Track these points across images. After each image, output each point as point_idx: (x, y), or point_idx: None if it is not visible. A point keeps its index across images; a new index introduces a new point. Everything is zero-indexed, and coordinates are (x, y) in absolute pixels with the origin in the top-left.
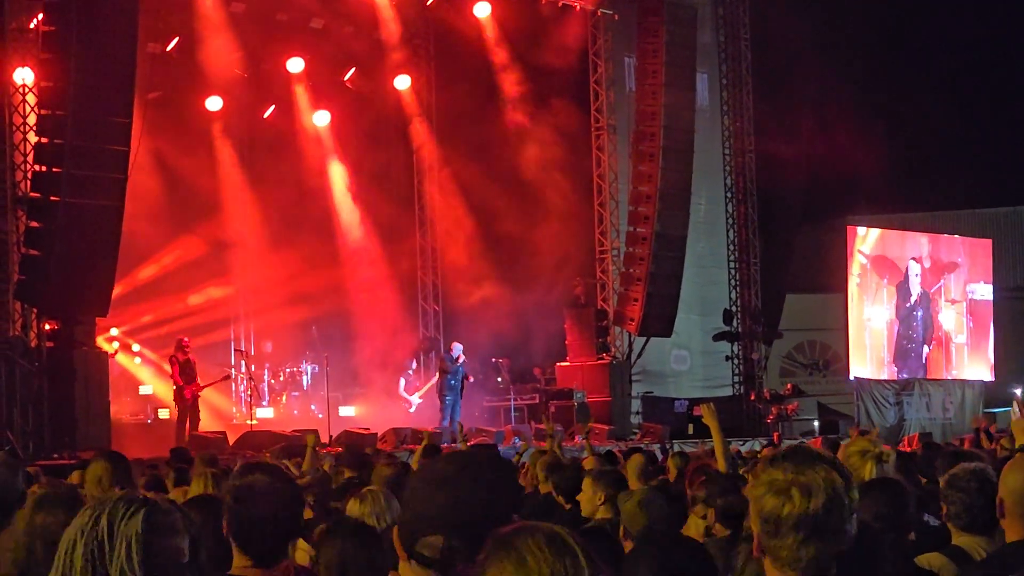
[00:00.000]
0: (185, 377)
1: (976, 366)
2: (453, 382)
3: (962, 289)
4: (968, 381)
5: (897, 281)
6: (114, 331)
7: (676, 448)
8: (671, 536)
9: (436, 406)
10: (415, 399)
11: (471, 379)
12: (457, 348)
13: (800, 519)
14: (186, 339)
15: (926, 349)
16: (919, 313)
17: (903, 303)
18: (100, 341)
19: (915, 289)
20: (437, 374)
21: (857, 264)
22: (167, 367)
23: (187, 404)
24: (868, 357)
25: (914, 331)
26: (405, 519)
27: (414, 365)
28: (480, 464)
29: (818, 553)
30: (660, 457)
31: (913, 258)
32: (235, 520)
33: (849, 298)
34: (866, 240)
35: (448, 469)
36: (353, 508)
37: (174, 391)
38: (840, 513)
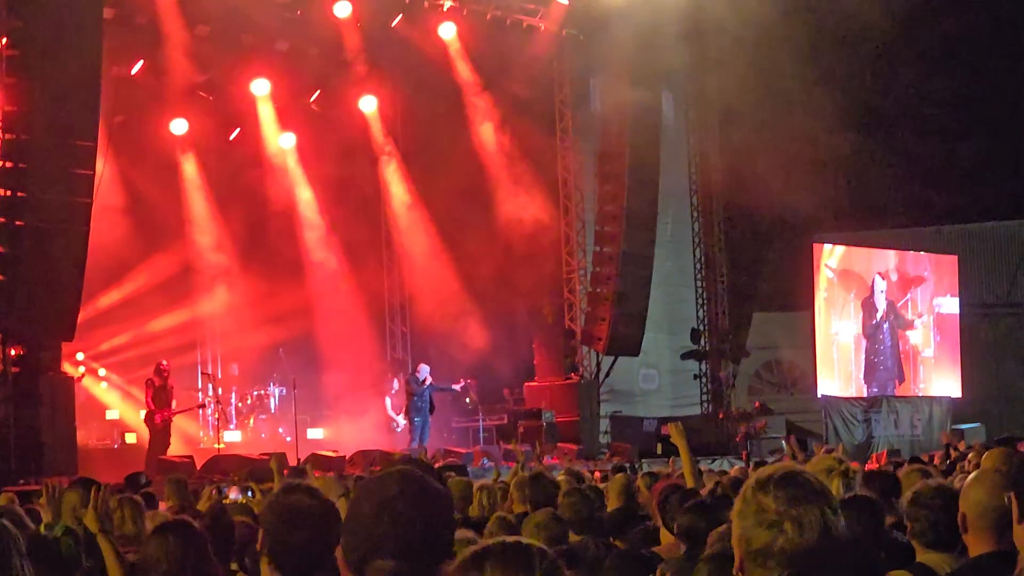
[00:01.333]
0: (158, 402)
1: (944, 381)
2: (420, 404)
3: (929, 303)
4: (936, 398)
5: (864, 295)
6: (80, 355)
7: (645, 468)
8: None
9: (444, 425)
10: (401, 419)
11: (464, 388)
12: (423, 370)
13: (792, 554)
14: (165, 363)
15: (891, 364)
16: (886, 328)
17: (869, 319)
18: (67, 367)
19: (880, 304)
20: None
21: (824, 279)
22: (138, 392)
23: (157, 429)
24: (836, 372)
25: (881, 345)
26: (349, 541)
27: (396, 384)
28: (421, 484)
29: None
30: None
31: (879, 273)
32: (271, 539)
33: (816, 314)
34: (833, 254)
35: (390, 490)
36: None
37: (145, 415)
38: (832, 548)
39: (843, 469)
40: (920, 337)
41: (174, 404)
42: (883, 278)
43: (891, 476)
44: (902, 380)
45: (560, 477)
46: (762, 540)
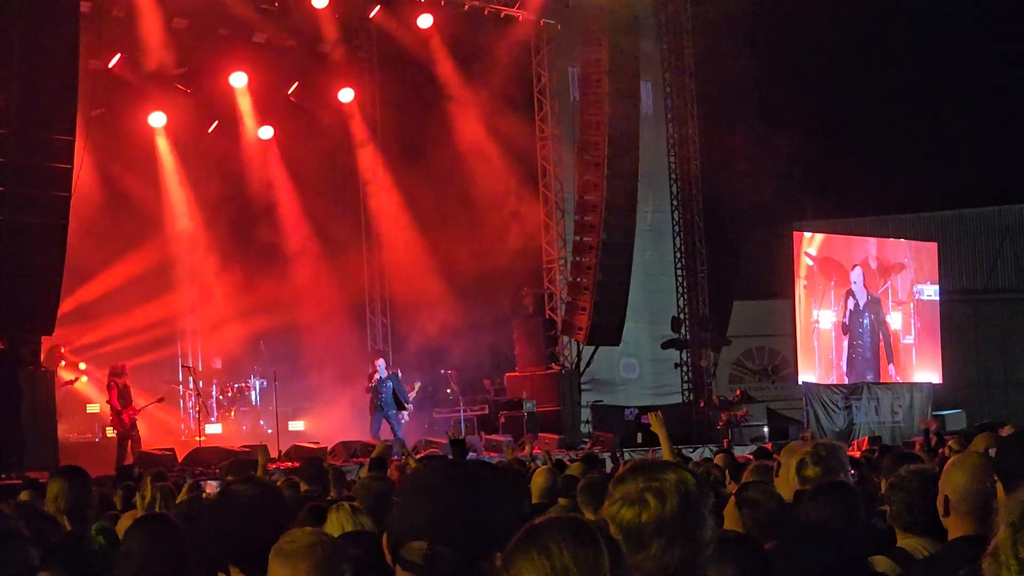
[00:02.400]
0: (123, 401)
1: (925, 369)
2: (379, 400)
3: (909, 290)
4: (917, 384)
5: (843, 284)
6: (61, 350)
7: (627, 457)
8: None
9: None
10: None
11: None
12: (380, 365)
13: (659, 523)
14: (122, 363)
15: (870, 354)
16: (865, 318)
17: (847, 309)
18: (64, 373)
19: (861, 296)
20: (414, 386)
21: (804, 266)
22: (102, 393)
23: (127, 428)
24: (817, 361)
25: (860, 337)
26: (392, 527)
27: (400, 374)
28: (466, 473)
29: (682, 558)
30: (611, 466)
31: (858, 263)
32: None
33: (797, 302)
34: (812, 242)
35: (433, 477)
36: (333, 521)
37: (112, 416)
38: (695, 515)
39: (811, 448)
40: (900, 324)
41: (135, 403)
42: (861, 268)
43: (873, 463)
44: (879, 372)
45: (540, 468)
46: (629, 517)
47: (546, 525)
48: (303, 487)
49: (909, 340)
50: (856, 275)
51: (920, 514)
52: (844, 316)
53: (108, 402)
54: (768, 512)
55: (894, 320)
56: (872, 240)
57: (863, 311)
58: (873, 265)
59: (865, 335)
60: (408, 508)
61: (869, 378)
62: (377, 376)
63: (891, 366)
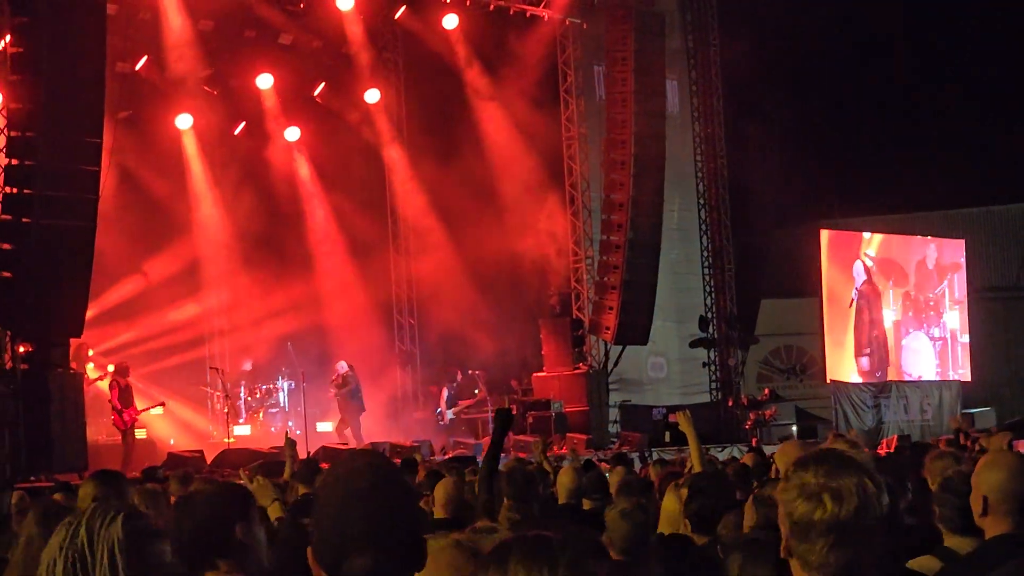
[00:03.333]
0: (123, 401)
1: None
2: (346, 400)
3: (965, 289)
4: (946, 382)
5: (902, 283)
6: (89, 352)
7: (655, 456)
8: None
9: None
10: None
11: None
12: (341, 366)
13: (831, 524)
14: (126, 363)
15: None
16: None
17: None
18: (91, 370)
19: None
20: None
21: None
22: (146, 387)
23: (127, 427)
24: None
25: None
26: (320, 538)
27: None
28: (395, 474)
29: (847, 558)
30: (639, 466)
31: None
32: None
33: (824, 300)
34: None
35: (358, 483)
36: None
37: (114, 415)
38: (871, 519)
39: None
40: (958, 323)
41: (135, 405)
42: (863, 263)
43: (904, 461)
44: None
45: (566, 467)
46: (802, 512)
47: (511, 545)
48: (301, 490)
49: (966, 339)
50: (857, 269)
51: (972, 517)
52: (904, 314)
53: (109, 400)
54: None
55: (951, 319)
56: (931, 241)
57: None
58: (930, 265)
59: (915, 335)
60: (340, 516)
61: (926, 376)
62: (338, 375)
63: (947, 364)
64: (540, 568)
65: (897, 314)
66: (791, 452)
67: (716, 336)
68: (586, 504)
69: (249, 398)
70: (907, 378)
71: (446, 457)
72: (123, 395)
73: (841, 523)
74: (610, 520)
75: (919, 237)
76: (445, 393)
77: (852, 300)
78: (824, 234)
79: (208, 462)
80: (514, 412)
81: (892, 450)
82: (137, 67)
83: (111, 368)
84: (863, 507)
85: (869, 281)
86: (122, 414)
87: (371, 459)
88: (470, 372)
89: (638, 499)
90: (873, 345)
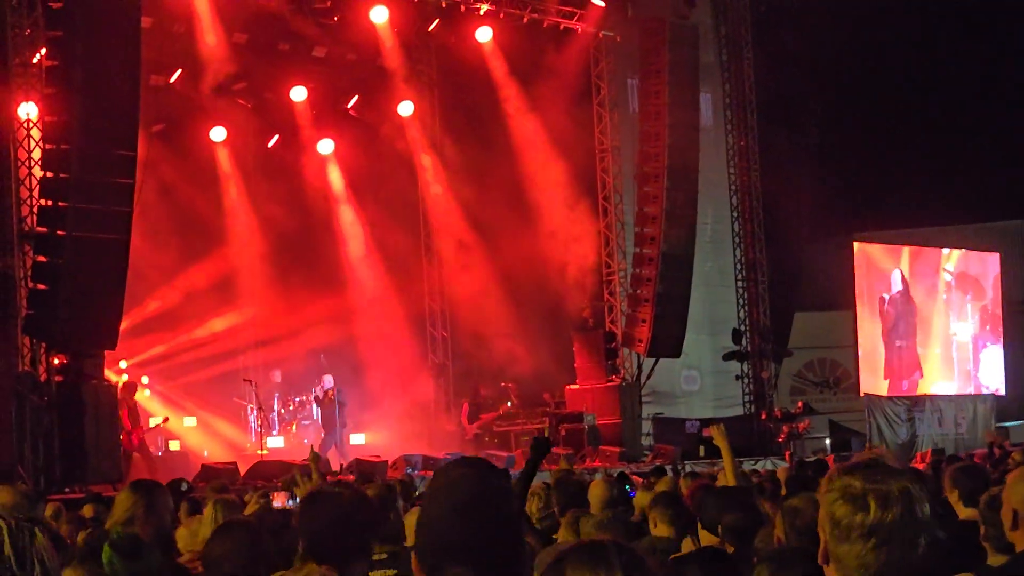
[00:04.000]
0: (132, 420)
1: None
2: (328, 414)
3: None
4: (979, 396)
5: (980, 297)
6: (123, 364)
7: (688, 469)
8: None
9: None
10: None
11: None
12: (327, 380)
13: (874, 527)
14: (134, 381)
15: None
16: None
17: (984, 323)
18: (137, 394)
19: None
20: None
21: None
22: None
23: (134, 447)
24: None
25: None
26: (422, 545)
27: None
28: (493, 485)
29: (888, 561)
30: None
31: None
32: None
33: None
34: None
35: (460, 494)
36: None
37: (123, 435)
38: (915, 525)
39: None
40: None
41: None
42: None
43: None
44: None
45: (597, 479)
46: (842, 513)
47: (567, 554)
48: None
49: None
50: (895, 277)
51: None
52: (982, 327)
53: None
54: (807, 520)
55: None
56: (997, 256)
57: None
58: (990, 281)
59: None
60: (440, 525)
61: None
62: (320, 391)
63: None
64: (598, 570)
65: (975, 328)
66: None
67: (749, 349)
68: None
69: (283, 410)
70: (984, 391)
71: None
72: (132, 414)
73: (885, 526)
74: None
75: (992, 253)
76: (466, 407)
77: (885, 309)
78: (857, 247)
79: (242, 474)
80: (550, 438)
81: (927, 464)
82: (171, 80)
83: (145, 380)
84: (908, 513)
85: (905, 292)
86: (131, 435)
87: (475, 470)
88: (502, 384)
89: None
90: (897, 357)
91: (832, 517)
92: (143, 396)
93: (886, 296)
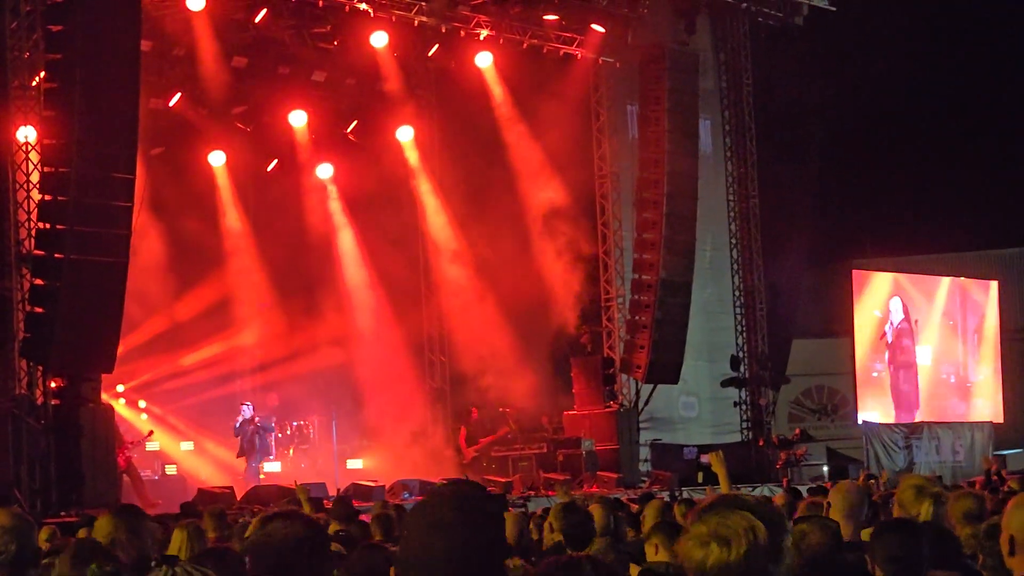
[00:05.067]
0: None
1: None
2: (246, 444)
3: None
4: (977, 423)
5: (978, 325)
6: (120, 387)
7: (686, 495)
8: None
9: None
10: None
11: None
12: (245, 410)
13: (721, 568)
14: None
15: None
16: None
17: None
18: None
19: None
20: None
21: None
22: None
23: (122, 469)
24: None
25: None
26: (403, 564)
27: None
28: (476, 506)
29: None
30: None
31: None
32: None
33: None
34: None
35: (444, 513)
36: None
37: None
38: (762, 560)
39: (935, 492)
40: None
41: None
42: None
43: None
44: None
45: (596, 505)
46: (696, 558)
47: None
48: (334, 527)
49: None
50: (895, 304)
51: None
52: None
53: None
54: (812, 544)
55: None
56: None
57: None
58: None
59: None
60: (420, 543)
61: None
62: (240, 420)
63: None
64: None
65: (973, 355)
66: (848, 490)
67: (747, 375)
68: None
69: (280, 435)
70: (980, 419)
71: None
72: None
73: (731, 566)
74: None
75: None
76: (464, 431)
77: (884, 335)
78: (855, 274)
79: (238, 498)
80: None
81: None
82: (171, 103)
83: (143, 404)
84: (753, 549)
85: (906, 319)
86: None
87: (458, 488)
88: (500, 410)
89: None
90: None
91: (688, 561)
92: (141, 420)
93: (891, 323)
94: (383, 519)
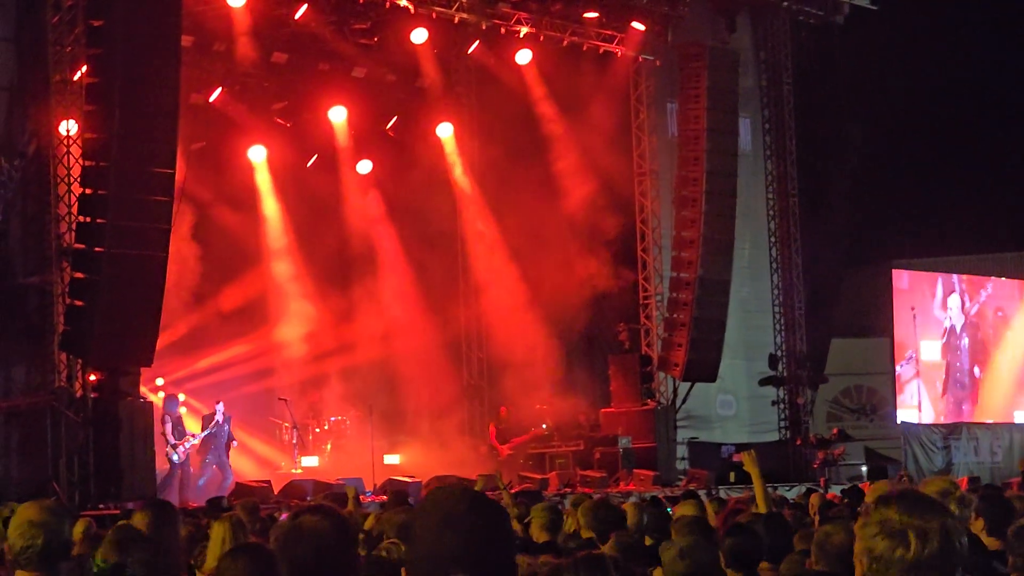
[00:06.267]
0: (177, 434)
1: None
2: (215, 444)
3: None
4: (1016, 424)
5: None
6: (159, 381)
7: (723, 494)
8: None
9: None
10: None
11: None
12: (219, 408)
13: (913, 564)
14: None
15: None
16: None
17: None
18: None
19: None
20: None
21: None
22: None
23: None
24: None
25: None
26: (414, 559)
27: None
28: (486, 501)
29: None
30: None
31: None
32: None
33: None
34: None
35: (455, 507)
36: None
37: (169, 449)
38: (953, 559)
39: (959, 495)
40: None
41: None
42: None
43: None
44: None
45: (629, 504)
46: (882, 549)
47: (566, 568)
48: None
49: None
50: (952, 301)
51: None
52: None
53: (162, 434)
54: (835, 544)
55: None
56: None
57: (960, 334)
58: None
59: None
60: (433, 538)
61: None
62: (217, 420)
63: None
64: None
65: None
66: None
67: (786, 374)
68: (647, 541)
69: (317, 430)
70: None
71: (513, 492)
72: (176, 428)
73: (924, 563)
74: (667, 558)
75: None
76: (493, 429)
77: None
78: (896, 274)
79: (275, 492)
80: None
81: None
82: (211, 98)
83: (182, 398)
84: (946, 549)
85: (959, 318)
86: (176, 448)
87: (465, 485)
88: (537, 406)
89: (697, 537)
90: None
91: (871, 552)
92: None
93: (946, 324)
94: None
